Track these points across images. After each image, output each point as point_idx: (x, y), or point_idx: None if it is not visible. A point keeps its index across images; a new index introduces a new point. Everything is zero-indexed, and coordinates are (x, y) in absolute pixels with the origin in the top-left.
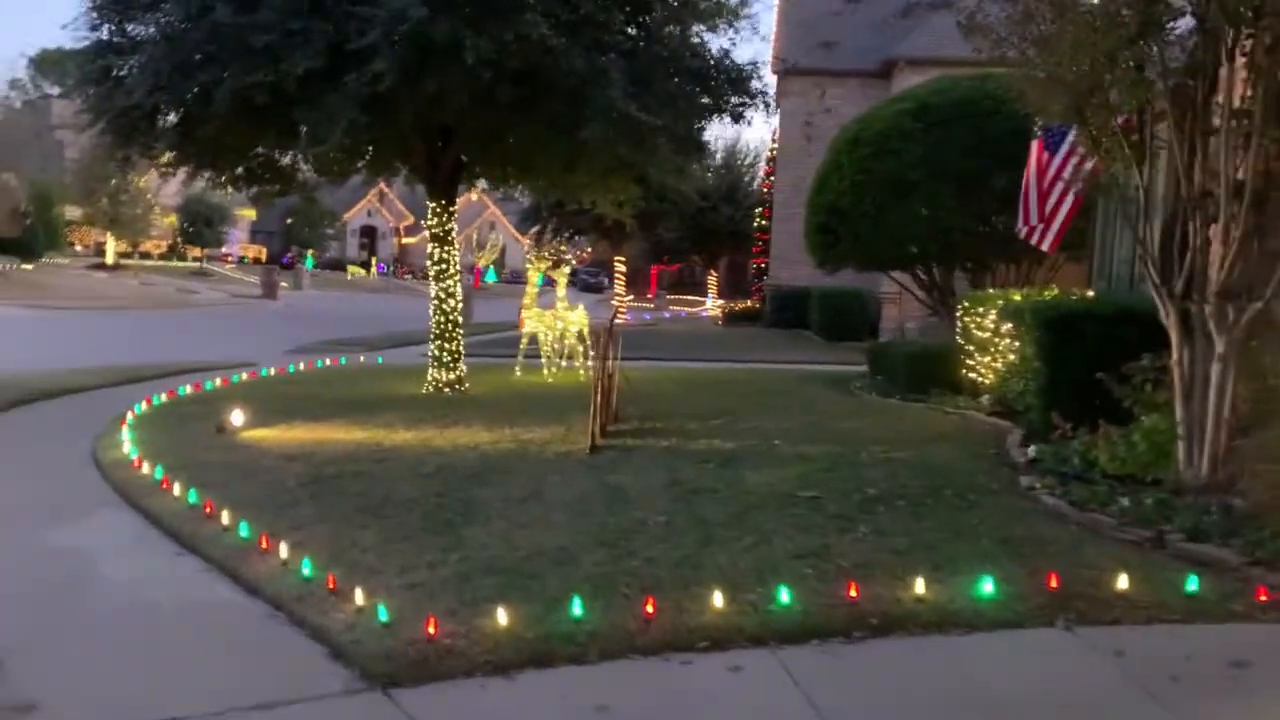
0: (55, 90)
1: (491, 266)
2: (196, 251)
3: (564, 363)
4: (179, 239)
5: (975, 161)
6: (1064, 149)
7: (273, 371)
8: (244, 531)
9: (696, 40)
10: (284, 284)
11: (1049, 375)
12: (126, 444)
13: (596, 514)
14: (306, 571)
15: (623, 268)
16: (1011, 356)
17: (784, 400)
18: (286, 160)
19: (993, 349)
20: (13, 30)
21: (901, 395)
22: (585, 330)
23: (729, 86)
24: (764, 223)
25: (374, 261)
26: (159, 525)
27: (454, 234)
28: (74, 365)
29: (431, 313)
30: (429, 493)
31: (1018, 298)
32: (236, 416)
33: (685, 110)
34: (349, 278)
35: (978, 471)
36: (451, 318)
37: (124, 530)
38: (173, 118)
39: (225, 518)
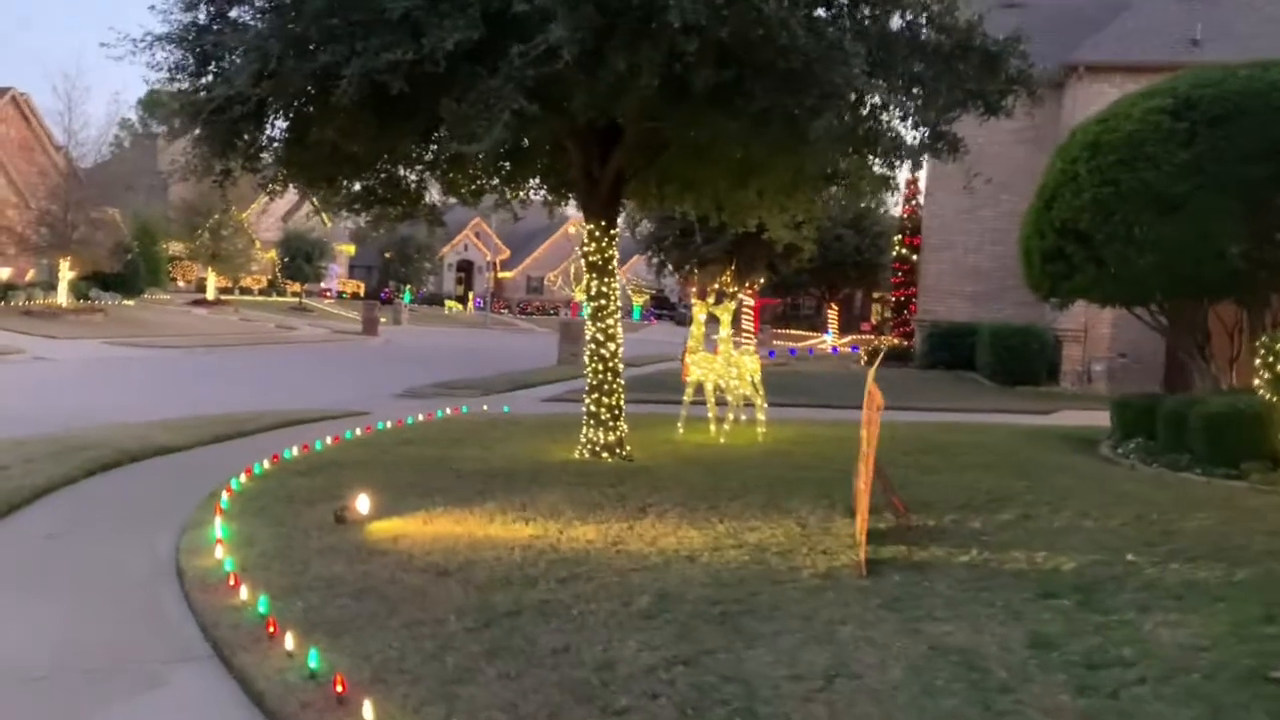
0: (162, 129)
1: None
2: (295, 287)
3: (734, 417)
4: (278, 274)
5: (1264, 168)
6: None
7: (389, 424)
8: None
9: (938, 7)
10: (383, 319)
11: None
12: (220, 547)
13: (969, 716)
14: None
15: (751, 302)
16: None
17: (1049, 475)
18: (413, 176)
19: None
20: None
21: (1203, 469)
22: (758, 377)
23: (983, 69)
24: (904, 251)
25: (471, 296)
26: (264, 709)
27: (615, 263)
28: (171, 413)
29: (587, 359)
30: (668, 655)
31: None
32: (362, 502)
33: (929, 98)
34: (446, 313)
35: None
36: (611, 365)
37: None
38: (282, 123)
39: (368, 711)
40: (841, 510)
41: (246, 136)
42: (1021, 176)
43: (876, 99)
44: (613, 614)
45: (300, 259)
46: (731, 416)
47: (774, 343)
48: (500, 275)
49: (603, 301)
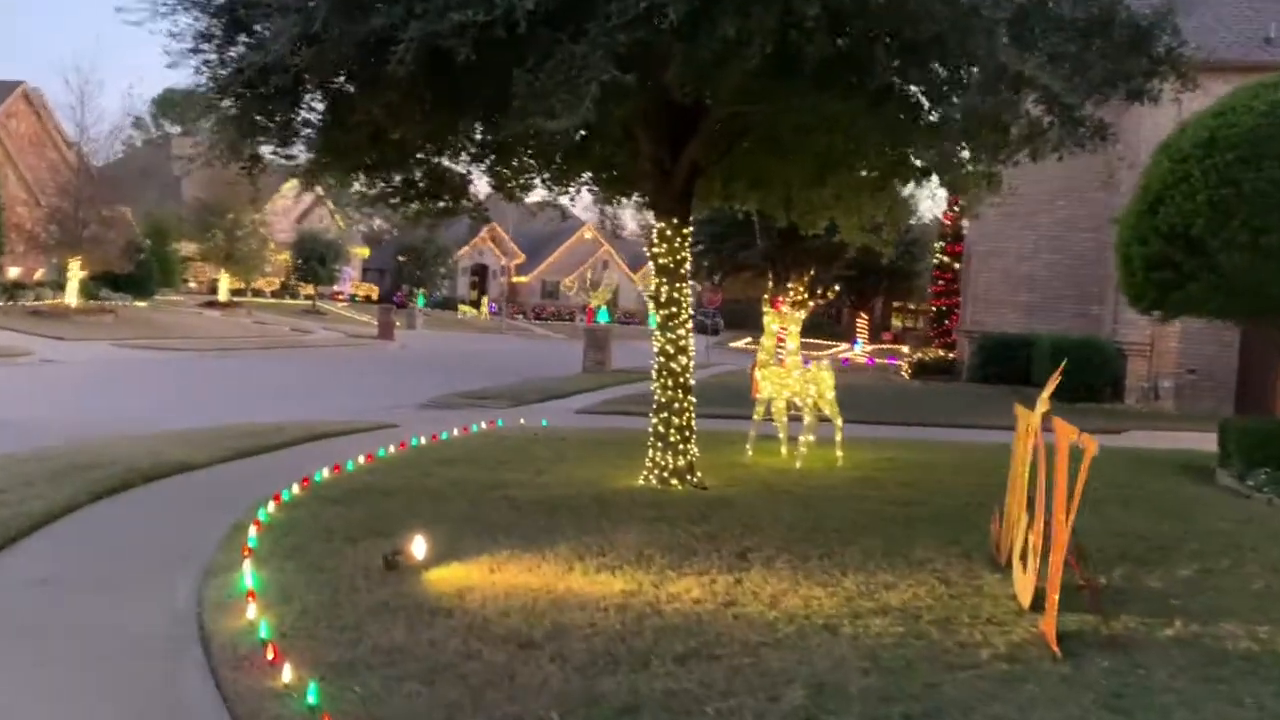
0: (176, 129)
1: (604, 306)
2: (309, 289)
3: (809, 438)
4: (292, 276)
5: None
6: None
7: (423, 440)
8: None
9: None
10: (397, 323)
11: None
12: (252, 602)
13: None
14: None
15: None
16: None
17: (1195, 514)
18: (459, 167)
19: None
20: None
21: None
22: (833, 394)
23: (1127, 47)
24: (945, 259)
25: (485, 301)
26: None
27: (688, 265)
28: (185, 422)
29: (654, 373)
30: None
31: None
32: (418, 545)
33: (1074, 77)
34: (460, 317)
35: None
36: (682, 381)
37: None
38: (319, 103)
39: None
40: (981, 560)
41: (279, 117)
42: (1077, 180)
43: (1034, 70)
44: (760, 715)
45: (314, 261)
46: (808, 438)
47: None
48: (515, 280)
49: (674, 309)
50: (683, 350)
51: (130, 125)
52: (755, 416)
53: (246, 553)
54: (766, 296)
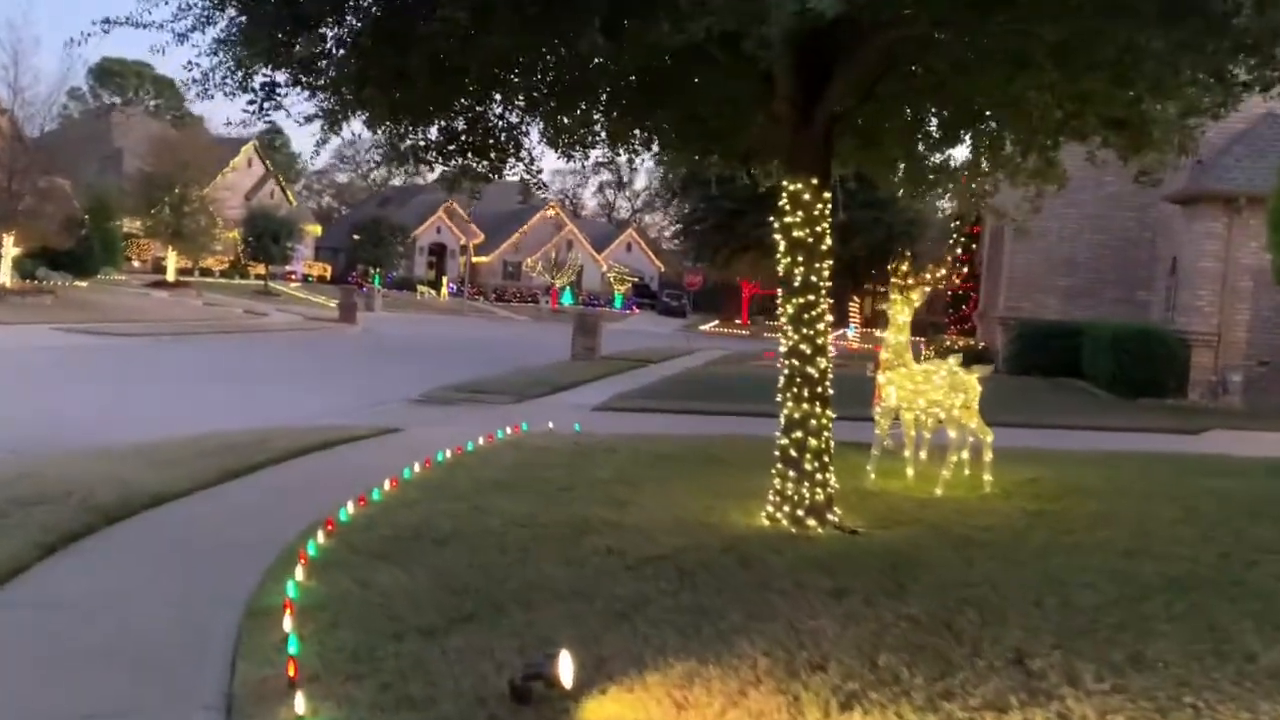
0: (115, 100)
1: (569, 287)
2: (260, 269)
3: (954, 458)
4: (242, 255)
5: None
6: None
7: (448, 454)
8: None
9: None
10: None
11: None
12: None
13: None
14: None
15: None
16: None
17: None
18: (513, 117)
19: None
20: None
21: None
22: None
23: None
24: (962, 239)
25: (444, 281)
26: None
27: (829, 241)
28: (147, 427)
29: (782, 381)
30: None
31: None
32: (564, 666)
33: None
34: (419, 297)
35: None
36: (819, 392)
37: None
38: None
39: None
40: None
41: (305, 32)
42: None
43: None
44: None
45: (267, 239)
46: (954, 458)
47: (765, 336)
48: (475, 259)
49: (811, 297)
50: (820, 351)
51: (66, 96)
52: (879, 431)
53: (291, 670)
54: (895, 280)
